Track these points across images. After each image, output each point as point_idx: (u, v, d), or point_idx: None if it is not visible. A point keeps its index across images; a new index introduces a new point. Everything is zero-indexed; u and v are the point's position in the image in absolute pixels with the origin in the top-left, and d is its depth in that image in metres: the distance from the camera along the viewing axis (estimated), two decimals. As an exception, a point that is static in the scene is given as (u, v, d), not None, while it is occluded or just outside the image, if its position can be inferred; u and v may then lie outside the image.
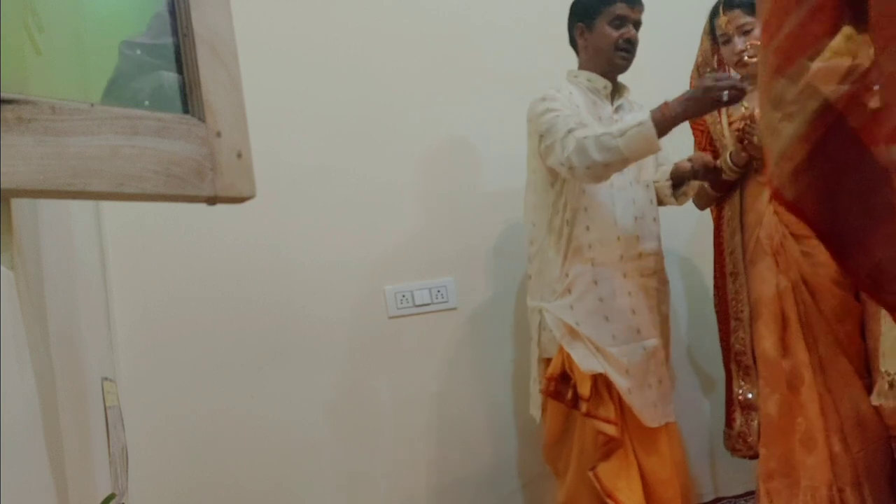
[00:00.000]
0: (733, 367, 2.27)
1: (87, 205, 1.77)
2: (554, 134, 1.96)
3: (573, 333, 2.02)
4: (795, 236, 2.15)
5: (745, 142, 2.13)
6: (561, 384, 2.01)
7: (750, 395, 2.20)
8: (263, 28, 2.23)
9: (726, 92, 1.84)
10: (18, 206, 0.99)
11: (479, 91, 2.46)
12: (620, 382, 2.00)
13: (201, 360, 2.18)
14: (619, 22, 2.05)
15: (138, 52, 0.83)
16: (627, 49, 2.07)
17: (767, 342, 2.13)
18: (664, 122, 1.86)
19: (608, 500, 1.98)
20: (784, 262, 2.13)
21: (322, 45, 2.38)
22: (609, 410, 1.99)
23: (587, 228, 2.04)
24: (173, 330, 2.17)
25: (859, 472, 2.07)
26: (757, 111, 2.21)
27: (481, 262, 2.47)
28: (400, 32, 2.46)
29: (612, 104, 2.14)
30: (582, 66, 2.17)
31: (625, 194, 2.10)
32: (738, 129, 2.15)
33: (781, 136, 0.90)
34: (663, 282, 2.19)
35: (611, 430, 1.98)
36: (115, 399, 1.38)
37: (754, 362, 2.19)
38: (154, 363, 2.13)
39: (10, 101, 0.65)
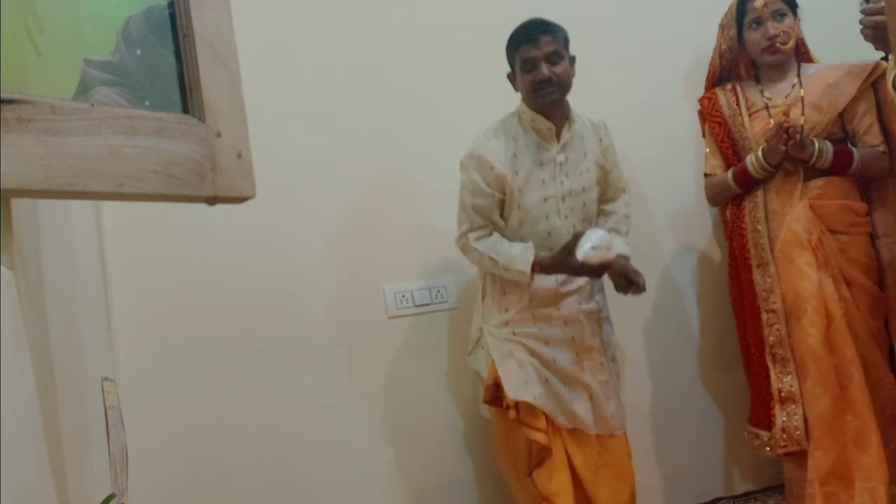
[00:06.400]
0: (769, 360, 2.19)
1: (87, 205, 1.77)
2: (460, 218, 2.11)
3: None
4: (832, 231, 2.15)
5: (790, 142, 2.09)
6: (498, 389, 2.06)
7: (792, 388, 2.13)
8: (263, 28, 2.22)
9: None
10: (18, 206, 0.99)
11: (480, 90, 2.45)
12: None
13: (201, 360, 2.18)
14: (529, 66, 2.01)
15: (138, 51, 0.83)
16: (544, 88, 2.01)
17: (814, 340, 2.09)
18: (540, 271, 2.03)
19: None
20: (823, 257, 2.13)
21: (322, 44, 2.37)
22: (540, 419, 2.02)
23: None
24: (173, 330, 2.16)
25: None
26: (791, 103, 2.20)
27: (481, 262, 2.46)
28: (400, 32, 2.46)
29: (558, 142, 2.09)
30: (526, 103, 2.11)
31: None
32: (781, 124, 2.10)
33: None
34: None
35: (541, 438, 2.01)
36: (115, 399, 1.38)
37: (791, 354, 2.15)
38: (154, 363, 2.13)
39: (10, 101, 0.65)
